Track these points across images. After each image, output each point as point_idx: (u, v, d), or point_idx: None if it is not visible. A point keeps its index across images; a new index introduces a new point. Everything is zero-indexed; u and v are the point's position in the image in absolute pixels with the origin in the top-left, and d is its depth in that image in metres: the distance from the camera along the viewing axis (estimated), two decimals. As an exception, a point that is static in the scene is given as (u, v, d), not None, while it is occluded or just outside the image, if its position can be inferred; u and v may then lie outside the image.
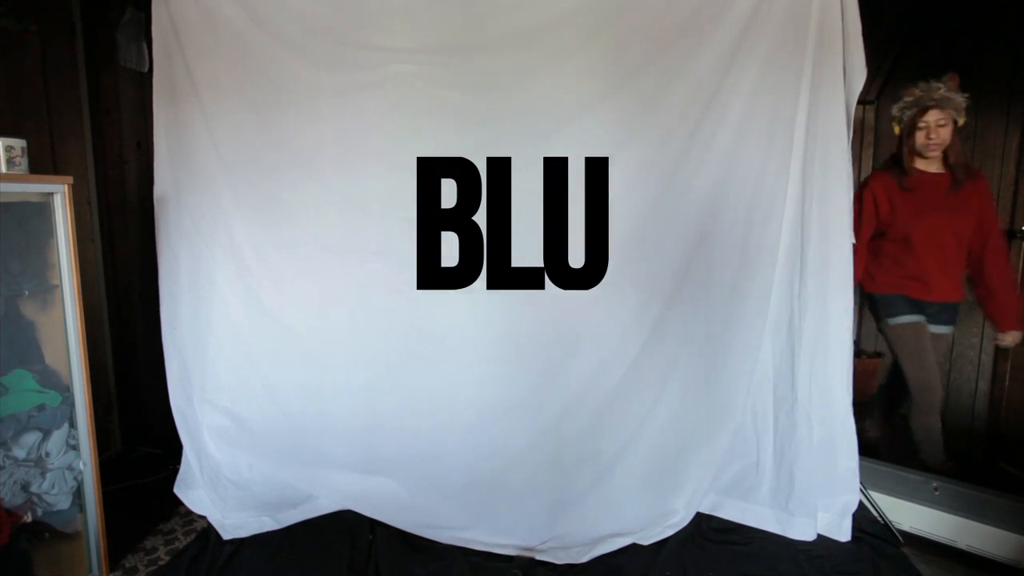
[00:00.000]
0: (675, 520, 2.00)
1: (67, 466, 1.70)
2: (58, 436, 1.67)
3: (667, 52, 1.87)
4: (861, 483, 2.00)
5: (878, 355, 3.27)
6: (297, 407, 2.09)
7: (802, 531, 1.99)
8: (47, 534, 1.69)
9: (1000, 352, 2.46)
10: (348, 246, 2.03)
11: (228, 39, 1.95)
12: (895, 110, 2.20)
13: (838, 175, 1.87)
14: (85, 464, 1.73)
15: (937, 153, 2.12)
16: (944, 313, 2.27)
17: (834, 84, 1.83)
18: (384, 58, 1.94)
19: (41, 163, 2.13)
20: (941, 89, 2.08)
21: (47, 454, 1.65)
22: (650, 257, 1.98)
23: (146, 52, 2.50)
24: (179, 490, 2.11)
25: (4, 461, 1.58)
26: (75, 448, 1.72)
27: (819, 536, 2.00)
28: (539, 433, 1.88)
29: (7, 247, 1.59)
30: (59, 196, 1.62)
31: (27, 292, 1.65)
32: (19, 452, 1.60)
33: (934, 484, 2.07)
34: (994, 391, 2.50)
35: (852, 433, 1.95)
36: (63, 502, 1.70)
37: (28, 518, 1.64)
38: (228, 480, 2.05)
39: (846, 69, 1.83)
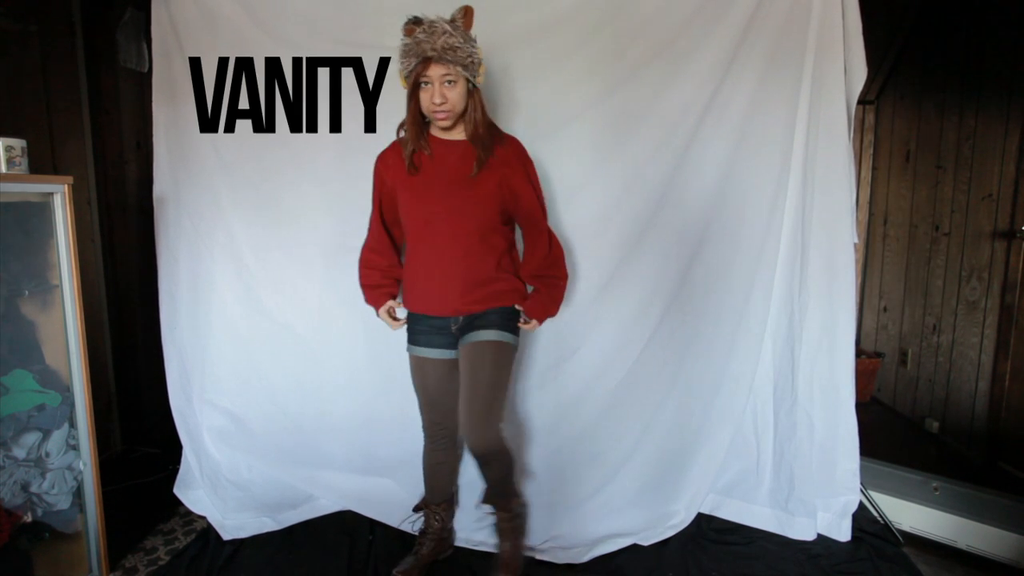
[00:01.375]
0: (676, 521, 2.00)
1: (67, 466, 1.69)
2: (58, 436, 1.67)
3: (667, 51, 1.87)
4: (861, 483, 2.00)
5: (878, 355, 3.27)
6: (297, 407, 2.09)
7: (802, 531, 1.99)
8: (47, 534, 1.69)
9: (1000, 352, 2.46)
10: (348, 246, 2.03)
11: (228, 39, 1.95)
12: (401, 60, 1.50)
13: (839, 175, 1.87)
14: (85, 464, 1.73)
15: (448, 122, 1.54)
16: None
17: (834, 84, 1.82)
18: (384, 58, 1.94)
19: (41, 163, 2.13)
20: (446, 33, 1.43)
21: (47, 454, 1.64)
22: (651, 257, 1.98)
23: (146, 52, 2.50)
24: (179, 490, 2.11)
25: (4, 461, 1.58)
26: (75, 448, 1.71)
27: (819, 536, 2.00)
28: (538, 432, 1.88)
29: (7, 247, 1.59)
30: (59, 196, 1.61)
31: (27, 292, 1.64)
32: (19, 452, 1.60)
33: (934, 484, 2.07)
34: (994, 391, 2.49)
35: (853, 433, 1.94)
36: (63, 502, 1.69)
37: (28, 518, 1.64)
38: (228, 480, 2.05)
39: (846, 69, 1.83)
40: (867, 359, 3.23)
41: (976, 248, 2.60)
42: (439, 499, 1.87)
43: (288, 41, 1.95)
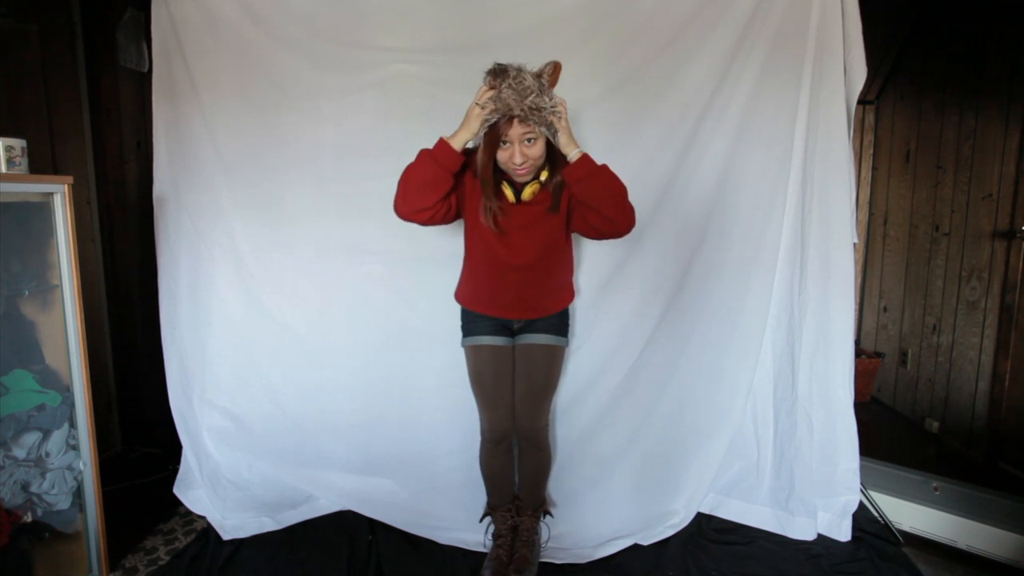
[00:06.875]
0: (675, 520, 1.99)
1: (67, 466, 1.69)
2: (58, 436, 1.67)
3: (667, 52, 1.88)
4: (861, 483, 2.00)
5: (878, 355, 3.27)
6: (296, 407, 2.09)
7: (802, 531, 1.99)
8: (47, 534, 1.69)
9: (1000, 352, 2.46)
10: (348, 246, 2.03)
11: (228, 39, 1.96)
12: (479, 106, 1.41)
13: (838, 175, 1.87)
14: (85, 464, 1.73)
15: (528, 177, 1.52)
16: None
17: (834, 84, 1.82)
18: (384, 58, 1.94)
19: (41, 163, 2.13)
20: (533, 93, 1.37)
21: (47, 454, 1.65)
22: (651, 257, 1.99)
23: (146, 52, 2.50)
24: (179, 490, 2.11)
25: (4, 461, 1.58)
26: (75, 448, 1.71)
27: (819, 536, 2.00)
28: (539, 433, 1.88)
29: (7, 247, 1.59)
30: (59, 196, 1.61)
31: (27, 292, 1.64)
32: (19, 452, 1.60)
33: (934, 484, 2.07)
34: (994, 391, 2.49)
35: (853, 433, 1.94)
36: (63, 502, 1.69)
37: (28, 518, 1.64)
38: (228, 480, 2.05)
39: (846, 69, 1.83)
40: (867, 359, 3.23)
41: (976, 248, 2.60)
42: (505, 502, 1.89)
43: (288, 41, 1.95)
